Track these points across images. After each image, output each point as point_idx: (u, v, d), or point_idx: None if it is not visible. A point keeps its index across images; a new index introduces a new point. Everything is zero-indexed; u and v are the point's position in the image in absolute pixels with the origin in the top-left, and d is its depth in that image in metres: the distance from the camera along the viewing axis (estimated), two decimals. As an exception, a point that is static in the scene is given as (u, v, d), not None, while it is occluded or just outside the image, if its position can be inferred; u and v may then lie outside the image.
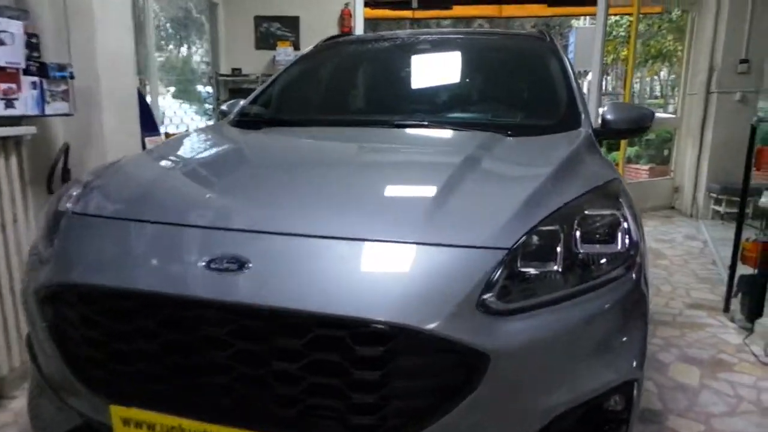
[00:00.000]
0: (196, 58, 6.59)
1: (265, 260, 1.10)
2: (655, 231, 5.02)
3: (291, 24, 5.87)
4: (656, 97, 20.89)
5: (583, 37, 8.62)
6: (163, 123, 5.91)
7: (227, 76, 5.84)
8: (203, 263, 1.10)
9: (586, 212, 1.25)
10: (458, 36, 2.75)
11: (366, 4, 7.12)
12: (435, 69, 2.46)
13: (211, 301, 1.05)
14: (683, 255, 4.25)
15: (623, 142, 5.73)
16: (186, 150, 1.82)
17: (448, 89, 2.36)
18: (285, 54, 5.69)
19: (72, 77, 2.22)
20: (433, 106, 2.25)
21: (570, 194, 1.28)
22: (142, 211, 1.27)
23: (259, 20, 5.89)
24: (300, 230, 1.15)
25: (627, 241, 1.23)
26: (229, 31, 5.92)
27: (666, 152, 7.16)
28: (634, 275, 1.21)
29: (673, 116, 6.45)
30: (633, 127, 2.07)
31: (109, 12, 2.50)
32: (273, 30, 5.90)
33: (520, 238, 1.13)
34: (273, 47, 5.84)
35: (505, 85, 2.36)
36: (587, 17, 12.26)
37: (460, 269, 1.07)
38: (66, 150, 2.44)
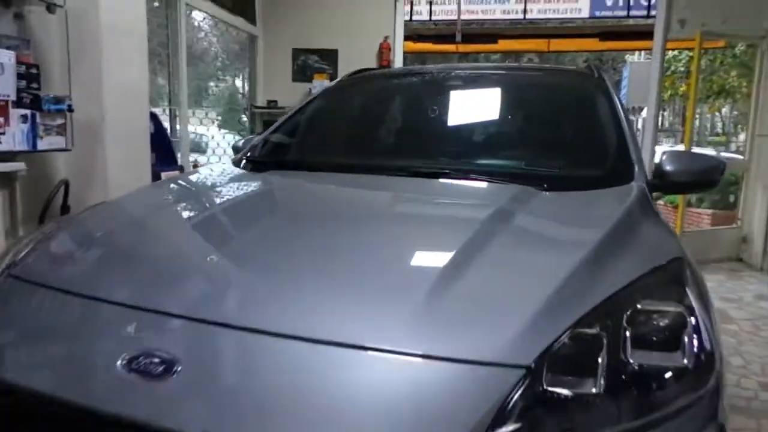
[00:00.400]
0: (240, 89, 6.60)
1: (201, 363, 0.84)
2: (721, 288, 4.47)
3: (329, 57, 5.78)
4: (717, 135, 19.83)
5: (637, 72, 8.19)
6: (206, 152, 5.89)
7: (262, 108, 5.78)
8: (121, 361, 0.84)
9: (639, 306, 0.92)
10: (494, 71, 2.47)
11: (409, 38, 6.99)
12: (463, 108, 2.18)
13: (116, 417, 0.79)
14: (754, 319, 3.71)
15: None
16: (158, 199, 1.60)
17: (477, 131, 2.07)
18: (320, 86, 5.57)
19: (71, 110, 2.08)
20: (459, 150, 1.96)
21: (618, 280, 0.96)
22: (65, 281, 1.04)
23: (297, 53, 5.84)
24: (256, 324, 0.88)
25: (699, 350, 0.89)
26: (267, 63, 5.89)
27: (731, 197, 6.54)
28: (708, 404, 0.86)
29: (740, 158, 5.88)
30: (697, 180, 1.71)
31: (121, 43, 2.39)
32: (311, 63, 5.82)
33: (547, 348, 0.82)
34: (310, 80, 5.75)
35: (545, 127, 2.04)
36: (642, 52, 11.77)
37: (461, 393, 0.77)
38: (66, 186, 2.30)
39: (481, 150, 1.95)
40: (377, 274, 1.02)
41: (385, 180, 1.66)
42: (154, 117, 3.22)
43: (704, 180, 1.72)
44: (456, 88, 2.30)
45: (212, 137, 6.18)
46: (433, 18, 7.10)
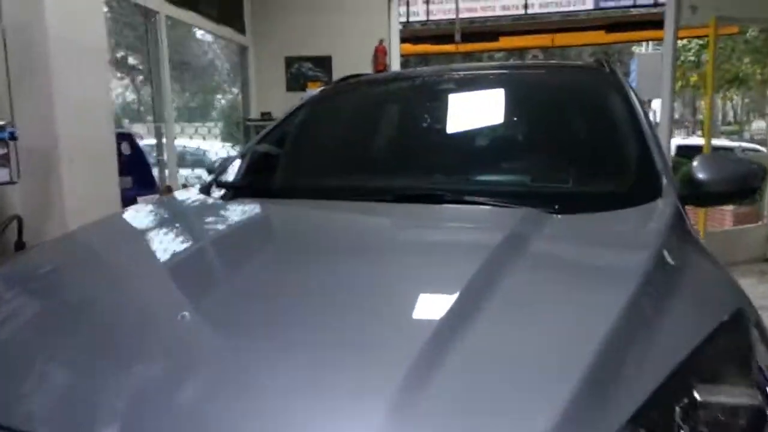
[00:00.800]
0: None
1: None
2: (752, 292, 4.13)
3: (323, 64, 5.54)
4: (729, 123, 19.36)
5: (646, 65, 7.85)
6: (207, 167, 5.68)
7: (255, 120, 5.55)
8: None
9: (699, 398, 0.65)
10: (490, 71, 2.20)
11: (406, 40, 6.74)
12: (457, 116, 1.91)
13: None
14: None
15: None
16: (99, 240, 1.35)
17: (472, 142, 1.80)
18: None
19: (13, 138, 1.85)
20: (453, 166, 1.68)
21: (663, 360, 0.69)
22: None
23: (290, 61, 5.61)
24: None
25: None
26: (260, 74, 5.67)
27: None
28: None
29: (763, 150, 5.53)
30: (738, 188, 1.43)
31: (77, 58, 2.15)
32: (304, 71, 5.59)
33: None
34: (304, 88, 5.51)
35: (550, 134, 1.76)
36: (649, 43, 11.41)
37: None
38: (19, 222, 2.07)
39: (479, 165, 1.68)
40: (355, 357, 0.75)
41: (369, 210, 1.40)
42: (128, 137, 3.00)
43: (745, 188, 1.44)
44: (449, 92, 2.03)
45: (216, 153, 6.00)
46: (431, 18, 6.84)
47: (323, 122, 2.15)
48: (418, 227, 1.30)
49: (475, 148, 1.77)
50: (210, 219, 1.52)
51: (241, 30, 5.42)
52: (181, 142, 6.40)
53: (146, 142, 4.30)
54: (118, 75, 6.08)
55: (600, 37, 7.40)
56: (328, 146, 2.01)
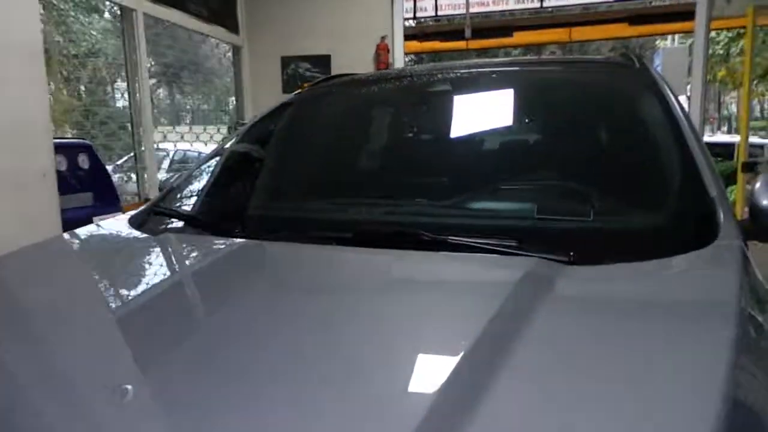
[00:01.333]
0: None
1: None
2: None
3: (321, 63, 5.18)
4: (756, 119, 18.57)
5: (671, 59, 7.33)
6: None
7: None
8: None
9: None
10: (498, 69, 1.80)
11: (413, 37, 6.36)
12: (453, 124, 1.53)
13: None
14: None
15: (741, 176, 4.45)
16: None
17: (468, 158, 1.42)
18: (311, 97, 4.98)
19: None
20: (442, 190, 1.30)
21: None
22: None
23: (286, 61, 5.26)
24: None
25: None
26: (254, 75, 5.33)
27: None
28: None
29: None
30: None
31: (4, 65, 1.83)
32: (302, 71, 5.24)
33: None
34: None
35: (568, 150, 1.36)
36: (675, 36, 10.82)
37: None
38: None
39: (470, 189, 1.28)
40: None
41: (319, 260, 1.04)
42: (87, 148, 2.67)
43: None
44: (447, 94, 1.65)
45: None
46: (440, 13, 6.42)
47: (289, 136, 1.79)
48: (390, 284, 0.95)
49: (469, 167, 1.38)
50: (130, 268, 1.16)
51: (234, 29, 5.08)
52: (183, 147, 6.18)
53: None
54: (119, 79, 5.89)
55: (622, 30, 6.88)
56: (290, 168, 1.64)
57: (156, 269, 1.14)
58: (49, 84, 4.41)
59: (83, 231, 1.39)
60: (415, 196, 1.26)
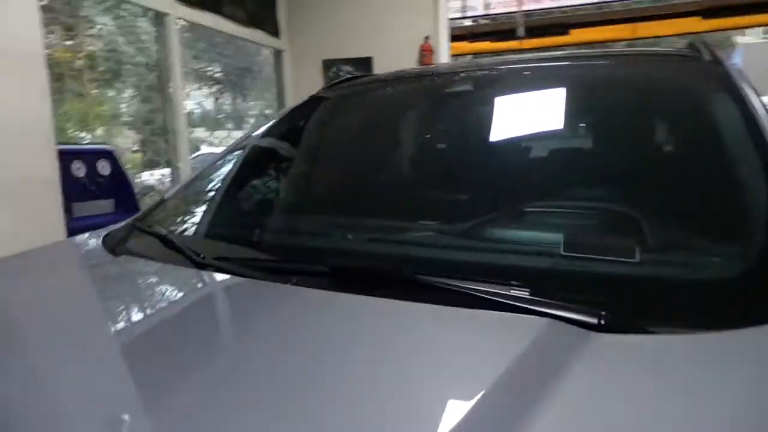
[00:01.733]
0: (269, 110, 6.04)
1: None
2: None
3: (363, 66, 5.00)
4: None
5: (753, 56, 6.63)
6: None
7: (289, 130, 5.11)
8: None
9: None
10: (523, 66, 1.51)
11: (462, 38, 6.08)
12: (468, 133, 1.28)
13: None
14: None
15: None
16: None
17: (482, 174, 1.15)
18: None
19: None
20: (442, 213, 1.05)
21: None
22: None
23: (328, 64, 5.12)
24: None
25: None
26: (296, 79, 5.23)
27: None
28: None
29: None
30: None
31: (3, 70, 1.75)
32: (343, 74, 5.08)
33: None
34: (343, 94, 5.00)
35: (610, 161, 1.08)
36: (760, 29, 9.88)
37: None
38: None
39: (482, 213, 1.02)
40: None
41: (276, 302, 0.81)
42: (108, 155, 2.60)
43: None
44: (463, 99, 1.39)
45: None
46: (490, 12, 6.10)
47: (283, 152, 1.58)
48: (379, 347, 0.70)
49: (481, 184, 1.12)
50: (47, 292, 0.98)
51: (275, 33, 5.00)
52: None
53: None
54: (196, 85, 5.97)
55: (694, 24, 6.26)
56: (273, 187, 1.44)
57: (91, 300, 0.96)
58: (123, 92, 4.44)
59: (44, 249, 1.24)
60: (402, 222, 1.01)
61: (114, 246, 1.15)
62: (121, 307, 0.92)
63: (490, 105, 1.30)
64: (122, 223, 1.34)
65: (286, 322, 0.76)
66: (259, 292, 0.85)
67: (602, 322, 0.64)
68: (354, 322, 0.74)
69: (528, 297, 0.69)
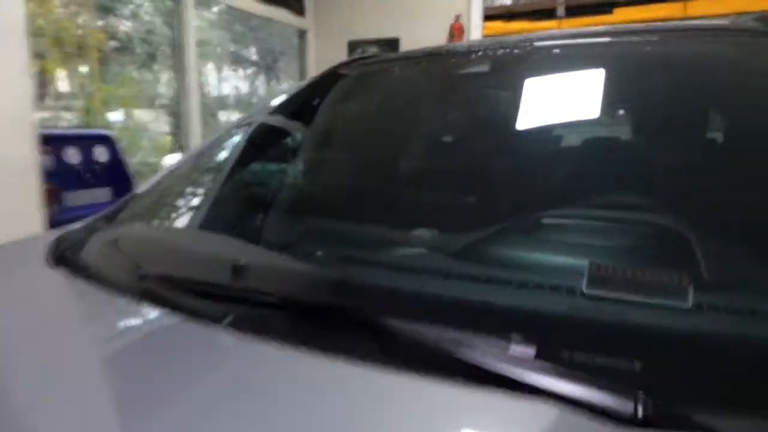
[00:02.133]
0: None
1: None
2: None
3: (390, 47, 4.75)
4: None
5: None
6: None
7: (311, 114, 4.93)
8: None
9: None
10: (576, 43, 1.26)
11: (497, 17, 5.76)
12: (480, 126, 1.05)
13: None
14: None
15: None
16: None
17: (483, 178, 0.93)
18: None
19: None
20: (434, 230, 0.84)
21: None
22: None
23: (353, 45, 4.89)
24: None
25: None
26: (320, 60, 5.02)
27: None
28: None
29: None
30: None
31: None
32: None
33: None
34: (368, 76, 4.77)
35: (656, 162, 0.84)
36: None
37: None
38: None
39: (483, 227, 0.80)
40: None
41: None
42: (105, 140, 2.47)
43: None
44: (477, 84, 1.17)
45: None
46: (528, -11, 5.72)
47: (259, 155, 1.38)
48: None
49: (486, 191, 0.90)
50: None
51: (300, 11, 4.80)
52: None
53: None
54: (232, 68, 5.88)
55: (755, 2, 5.73)
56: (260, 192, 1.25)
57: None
58: (165, 73, 4.35)
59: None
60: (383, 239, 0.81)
61: (61, 253, 0.98)
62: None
63: (532, 87, 1.07)
64: (82, 223, 1.18)
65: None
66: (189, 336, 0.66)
67: (640, 412, 0.43)
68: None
69: (530, 368, 0.48)
